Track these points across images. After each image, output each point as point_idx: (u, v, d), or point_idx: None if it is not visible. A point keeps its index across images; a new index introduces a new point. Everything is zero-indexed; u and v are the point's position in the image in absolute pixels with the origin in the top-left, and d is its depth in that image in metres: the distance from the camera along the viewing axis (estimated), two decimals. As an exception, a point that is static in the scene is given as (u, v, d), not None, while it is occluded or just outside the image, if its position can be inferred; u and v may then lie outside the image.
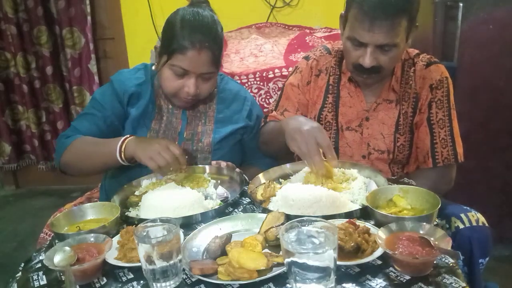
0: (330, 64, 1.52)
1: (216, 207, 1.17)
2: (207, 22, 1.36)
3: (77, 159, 1.39)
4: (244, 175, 1.34)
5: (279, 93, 1.60)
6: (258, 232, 0.97)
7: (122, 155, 1.30)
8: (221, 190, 1.28)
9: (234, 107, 1.55)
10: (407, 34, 1.30)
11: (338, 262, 0.79)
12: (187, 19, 1.34)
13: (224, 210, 1.16)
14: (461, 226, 1.23)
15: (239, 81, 2.07)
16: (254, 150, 1.59)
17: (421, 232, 0.88)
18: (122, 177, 1.42)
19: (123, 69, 1.55)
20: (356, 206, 1.10)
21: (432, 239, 0.85)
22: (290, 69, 1.60)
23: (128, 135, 1.34)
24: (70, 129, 1.45)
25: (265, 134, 1.55)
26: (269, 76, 2.04)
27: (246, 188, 1.25)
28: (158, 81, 1.47)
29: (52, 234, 1.42)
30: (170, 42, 1.34)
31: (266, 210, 1.10)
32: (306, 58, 1.56)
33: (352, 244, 0.86)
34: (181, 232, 0.97)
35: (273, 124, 1.50)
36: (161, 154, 1.22)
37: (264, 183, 1.25)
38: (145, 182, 1.35)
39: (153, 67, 1.51)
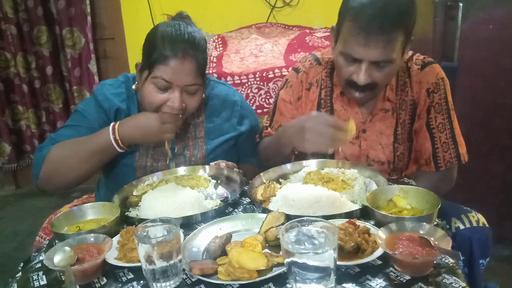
0: (320, 76, 1.45)
1: (216, 207, 1.17)
2: (189, 31, 1.30)
3: (60, 164, 1.28)
4: (243, 175, 1.34)
5: (271, 107, 1.55)
6: (258, 232, 0.97)
7: (119, 143, 1.27)
8: (221, 190, 1.28)
9: (223, 115, 1.49)
10: (403, 48, 1.24)
11: (338, 262, 0.79)
12: (167, 30, 1.29)
13: (224, 210, 1.16)
14: (461, 227, 1.22)
15: (239, 81, 2.08)
16: (248, 150, 1.56)
17: (421, 232, 0.88)
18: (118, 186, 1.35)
19: (104, 80, 1.47)
20: (356, 206, 1.10)
21: (432, 239, 0.85)
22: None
23: (113, 123, 1.30)
24: (48, 141, 1.35)
25: (264, 151, 1.51)
26: (269, 76, 2.05)
27: (246, 188, 1.25)
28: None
29: (48, 237, 1.42)
30: (150, 55, 1.28)
31: (266, 210, 1.09)
32: (296, 70, 1.50)
33: (352, 244, 0.86)
34: (181, 232, 0.97)
35: (268, 140, 1.48)
36: (165, 125, 1.27)
37: (264, 183, 1.25)
38: (155, 177, 1.35)
39: (133, 86, 1.40)
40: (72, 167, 1.30)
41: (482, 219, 1.26)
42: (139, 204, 1.21)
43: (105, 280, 0.90)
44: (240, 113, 1.51)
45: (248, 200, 1.22)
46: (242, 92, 2.10)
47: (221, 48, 2.40)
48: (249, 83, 2.05)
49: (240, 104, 1.52)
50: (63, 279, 0.90)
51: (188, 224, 1.08)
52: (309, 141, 1.18)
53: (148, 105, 1.33)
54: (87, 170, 1.32)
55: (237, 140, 1.51)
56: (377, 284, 0.81)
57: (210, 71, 2.13)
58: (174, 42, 1.27)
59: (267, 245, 0.94)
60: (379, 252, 0.86)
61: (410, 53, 1.40)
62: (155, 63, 1.27)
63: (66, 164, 1.29)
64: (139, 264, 0.87)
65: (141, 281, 0.88)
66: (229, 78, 2.08)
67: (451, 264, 0.84)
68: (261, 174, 1.32)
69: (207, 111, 1.48)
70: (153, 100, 1.30)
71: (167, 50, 1.26)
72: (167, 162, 1.41)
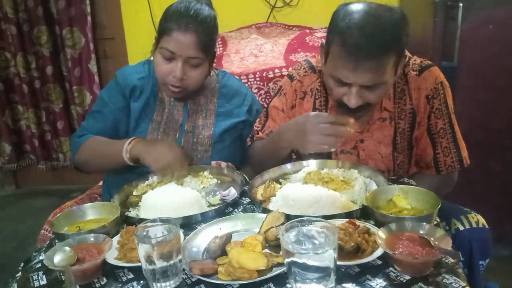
0: (315, 85, 1.43)
1: (216, 207, 1.17)
2: (196, 8, 1.39)
3: (90, 158, 1.47)
4: (244, 175, 1.34)
5: (263, 112, 1.54)
6: (258, 232, 0.97)
7: (128, 156, 1.35)
8: (233, 191, 1.25)
9: (235, 101, 1.58)
10: (396, 68, 1.21)
11: (338, 262, 0.79)
12: (178, 6, 1.40)
13: (224, 210, 1.16)
14: (461, 228, 1.22)
15: (239, 81, 2.07)
16: None
17: (421, 232, 0.88)
18: (124, 173, 1.45)
19: (129, 64, 1.60)
20: (356, 206, 1.10)
21: (432, 239, 0.85)
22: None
23: (134, 137, 1.38)
24: (81, 129, 1.53)
25: (257, 155, 1.49)
26: (269, 76, 2.04)
27: (246, 188, 1.25)
28: None
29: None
30: (160, 27, 1.40)
31: (266, 210, 1.09)
32: (290, 78, 1.48)
33: (352, 244, 0.86)
34: (181, 232, 0.97)
35: (261, 143, 1.47)
36: (165, 154, 1.27)
37: (264, 183, 1.25)
38: (155, 177, 1.37)
39: (151, 58, 1.54)
40: (96, 164, 1.48)
41: (482, 220, 1.25)
42: (139, 204, 1.22)
43: (105, 280, 0.90)
44: (251, 104, 1.60)
45: (248, 200, 1.22)
46: (242, 92, 2.09)
47: (221, 48, 2.40)
48: (249, 83, 2.04)
49: (251, 97, 1.62)
50: (63, 279, 0.90)
51: (188, 224, 1.09)
52: (312, 142, 1.18)
53: (156, 75, 1.45)
54: (109, 169, 1.53)
55: (243, 129, 1.57)
56: (377, 284, 0.81)
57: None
58: (179, 16, 1.37)
59: (267, 245, 0.94)
60: (379, 252, 0.86)
61: (407, 57, 1.36)
62: (162, 35, 1.38)
63: (93, 160, 1.48)
64: (139, 264, 0.87)
65: (141, 281, 0.88)
66: (229, 78, 2.07)
67: (451, 264, 0.84)
68: (261, 174, 1.32)
69: (220, 97, 1.57)
70: (159, 69, 1.41)
71: (172, 23, 1.36)
72: (176, 137, 1.52)
